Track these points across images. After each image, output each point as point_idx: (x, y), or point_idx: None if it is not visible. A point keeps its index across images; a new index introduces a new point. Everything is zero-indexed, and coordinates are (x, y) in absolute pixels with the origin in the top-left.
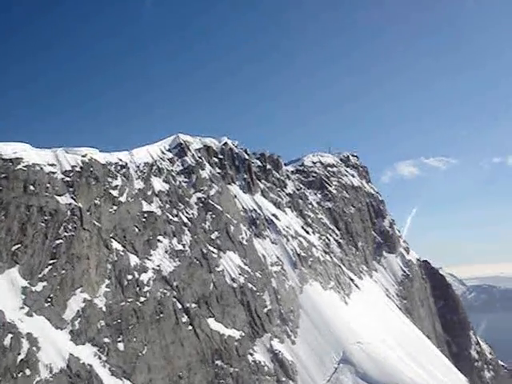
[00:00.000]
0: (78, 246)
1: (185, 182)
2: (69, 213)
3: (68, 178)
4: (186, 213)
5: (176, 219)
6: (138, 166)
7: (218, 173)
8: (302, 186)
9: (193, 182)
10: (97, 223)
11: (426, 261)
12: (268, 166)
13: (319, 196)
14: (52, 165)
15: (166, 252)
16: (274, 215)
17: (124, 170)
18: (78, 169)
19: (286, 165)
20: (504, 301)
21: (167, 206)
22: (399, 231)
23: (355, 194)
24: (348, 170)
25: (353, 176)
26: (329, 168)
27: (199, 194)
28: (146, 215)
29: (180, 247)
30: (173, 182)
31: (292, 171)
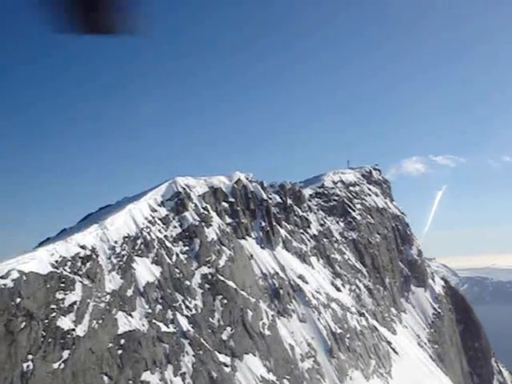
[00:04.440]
0: None
1: (184, 254)
2: None
3: None
4: (187, 308)
5: (171, 328)
6: (114, 248)
7: (229, 224)
8: (323, 213)
9: (196, 250)
10: None
11: (445, 281)
12: (289, 201)
13: (342, 225)
14: None
15: None
16: (300, 277)
17: (89, 263)
18: None
19: (302, 184)
20: (496, 293)
21: (158, 307)
22: (420, 250)
23: (380, 218)
24: (371, 187)
25: (376, 195)
26: (351, 188)
27: (204, 269)
28: (122, 342)
29: (177, 382)
30: (167, 259)
31: (311, 195)
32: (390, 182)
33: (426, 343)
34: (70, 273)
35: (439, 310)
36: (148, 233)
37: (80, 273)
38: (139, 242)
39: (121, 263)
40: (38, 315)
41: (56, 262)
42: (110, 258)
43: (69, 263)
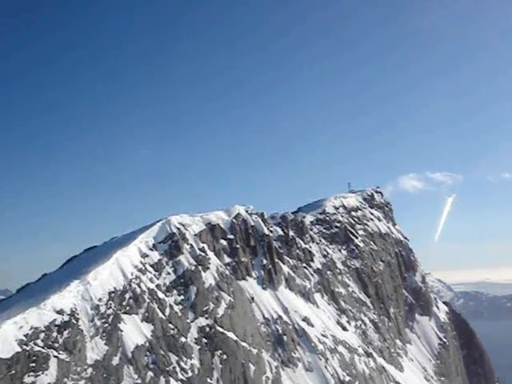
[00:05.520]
0: None
1: (179, 304)
2: None
3: None
4: (183, 371)
5: None
6: (98, 307)
7: (228, 264)
8: (324, 241)
9: (191, 299)
10: None
11: (446, 303)
12: (291, 233)
13: (344, 253)
14: None
15: None
16: (305, 319)
17: (67, 332)
18: None
19: (302, 210)
20: (492, 308)
21: (149, 375)
22: (424, 276)
23: (383, 244)
24: (373, 211)
25: (379, 219)
26: (353, 213)
27: (202, 321)
28: None
29: None
30: (160, 313)
31: (312, 222)
32: (388, 199)
33: (432, 376)
34: (42, 347)
35: (444, 340)
36: (138, 284)
37: (56, 345)
38: (127, 296)
39: (105, 325)
40: None
41: (26, 336)
42: (92, 321)
43: (42, 335)
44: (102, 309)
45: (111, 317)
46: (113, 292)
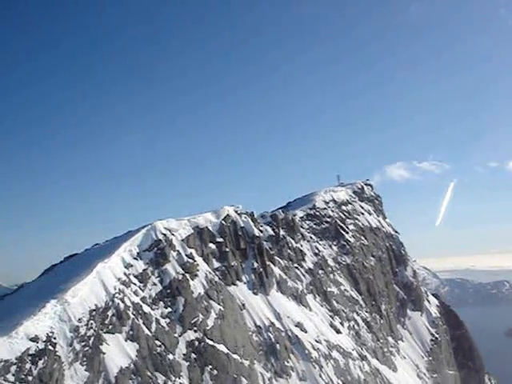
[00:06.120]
0: None
1: (166, 317)
2: None
3: None
4: None
5: None
6: (77, 329)
7: (217, 269)
8: (315, 237)
9: (179, 311)
10: None
11: (435, 295)
12: (281, 233)
13: (335, 249)
14: None
15: None
16: (298, 325)
17: (42, 361)
18: None
19: (291, 205)
20: (477, 295)
21: None
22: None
23: (374, 239)
24: (363, 205)
25: (369, 213)
26: (343, 207)
27: (190, 334)
28: None
29: None
30: (145, 329)
31: (302, 217)
32: (377, 190)
33: (425, 373)
34: (13, 382)
35: (436, 336)
36: (121, 299)
37: (29, 378)
38: (110, 313)
39: (86, 349)
40: None
41: None
42: (71, 345)
43: (13, 368)
44: (82, 330)
45: (92, 338)
46: (94, 310)
